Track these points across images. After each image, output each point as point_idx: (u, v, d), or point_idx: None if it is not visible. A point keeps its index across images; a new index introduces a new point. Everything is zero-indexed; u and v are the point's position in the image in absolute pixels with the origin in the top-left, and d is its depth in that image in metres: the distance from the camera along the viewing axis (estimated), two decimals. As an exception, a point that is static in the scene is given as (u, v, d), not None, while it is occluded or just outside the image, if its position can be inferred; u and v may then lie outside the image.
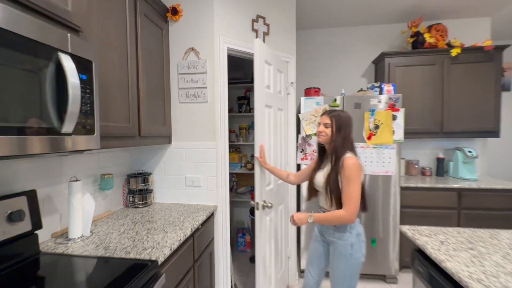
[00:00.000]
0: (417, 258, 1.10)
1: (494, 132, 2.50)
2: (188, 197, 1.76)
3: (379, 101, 2.17)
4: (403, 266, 2.34)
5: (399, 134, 2.14)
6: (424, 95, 2.55)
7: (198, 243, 1.43)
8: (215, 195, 1.73)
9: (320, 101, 2.23)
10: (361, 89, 2.56)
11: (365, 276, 2.29)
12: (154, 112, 1.53)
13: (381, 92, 2.35)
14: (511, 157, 3.91)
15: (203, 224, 1.51)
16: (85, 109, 0.88)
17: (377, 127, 2.16)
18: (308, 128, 2.25)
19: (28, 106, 0.71)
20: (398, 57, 2.57)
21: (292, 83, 2.14)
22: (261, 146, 1.58)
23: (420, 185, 2.29)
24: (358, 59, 2.96)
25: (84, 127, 0.89)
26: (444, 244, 1.05)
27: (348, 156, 1.24)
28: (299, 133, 2.28)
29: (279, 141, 2.03)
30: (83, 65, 0.88)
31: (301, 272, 2.35)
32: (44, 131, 0.75)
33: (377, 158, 2.18)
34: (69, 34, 0.83)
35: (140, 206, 1.68)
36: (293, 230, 2.19)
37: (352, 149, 1.31)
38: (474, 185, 2.24)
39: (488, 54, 2.45)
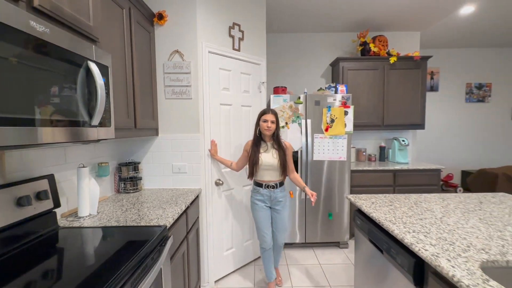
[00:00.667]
0: (357, 215, 1.53)
1: (420, 125, 3.16)
2: (175, 183, 2.00)
3: (334, 99, 2.63)
4: (352, 234, 2.88)
5: (350, 127, 2.62)
6: (370, 94, 3.10)
7: (189, 218, 1.70)
8: (200, 179, 2.00)
9: (286, 98, 2.61)
10: (320, 88, 3.00)
11: (323, 244, 2.78)
12: (145, 107, 1.74)
13: (336, 92, 2.81)
14: (433, 145, 4.84)
15: (192, 203, 1.78)
16: (106, 106, 1.10)
17: (332, 121, 2.61)
18: (277, 122, 2.61)
19: (69, 104, 0.92)
20: (350, 61, 3.07)
21: (263, 82, 2.47)
22: (212, 141, 2.05)
23: (365, 168, 2.83)
24: (318, 62, 3.41)
25: (105, 120, 1.10)
26: (374, 204, 1.49)
27: (286, 141, 1.98)
28: (269, 126, 2.63)
29: (246, 134, 2.35)
30: (102, 70, 1.09)
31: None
32: (80, 123, 0.96)
33: (333, 146, 2.64)
34: (93, 46, 1.03)
35: (132, 191, 1.87)
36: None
37: None
38: (405, 167, 2.85)
39: (417, 63, 3.07)
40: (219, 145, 2.12)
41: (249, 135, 2.39)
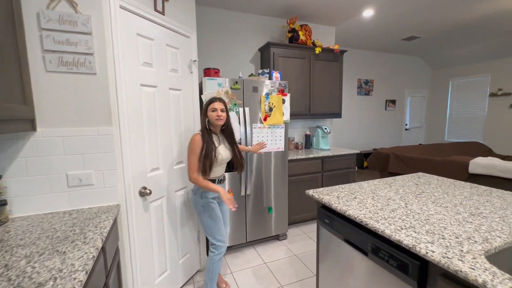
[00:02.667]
0: (324, 213, 1.40)
1: (338, 114, 3.45)
2: (75, 201, 1.33)
3: (272, 86, 2.45)
4: (289, 223, 2.89)
5: (287, 116, 2.53)
6: (298, 83, 3.11)
7: (108, 255, 1.14)
8: (117, 191, 1.40)
9: (222, 82, 2.23)
10: (252, 74, 2.77)
11: (264, 240, 2.65)
12: (3, 83, 1.00)
13: (270, 78, 2.64)
14: (348, 132, 5.62)
15: (110, 230, 1.20)
16: None
17: (271, 109, 2.44)
18: (211, 110, 2.21)
19: None
20: (281, 48, 2.96)
21: (195, 61, 2.00)
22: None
23: (299, 157, 2.85)
24: (247, 46, 3.14)
25: None
26: (339, 198, 1.40)
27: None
28: (203, 115, 2.20)
29: (177, 127, 1.89)
30: None
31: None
32: None
33: (272, 137, 2.49)
34: None
35: (-13, 228, 1.09)
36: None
37: None
38: (329, 154, 3.04)
39: (336, 56, 3.29)
40: (142, 144, 1.56)
41: (181, 129, 1.90)
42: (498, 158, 4.47)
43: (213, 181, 1.67)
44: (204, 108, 1.65)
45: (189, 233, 2.02)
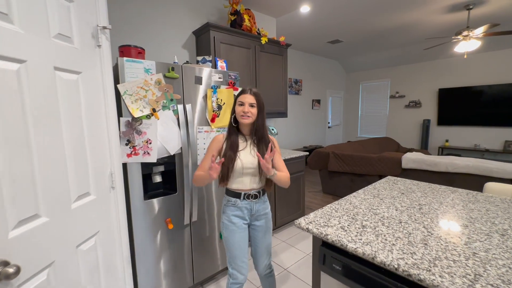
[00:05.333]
0: (329, 255, 0.98)
1: (284, 113, 3.18)
2: None
3: (220, 78, 1.89)
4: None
5: (239, 116, 2.03)
6: (243, 77, 2.65)
7: None
8: None
9: (151, 67, 1.53)
10: (187, 62, 2.14)
11: (218, 274, 2.08)
12: None
13: (214, 67, 2.08)
14: (293, 132, 5.50)
15: None
16: None
17: (220, 107, 1.89)
18: (135, 108, 1.48)
19: None
20: (223, 32, 2.41)
21: (104, 28, 1.24)
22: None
23: (251, 164, 2.39)
24: (179, 26, 2.45)
25: None
26: (346, 229, 1.01)
27: (270, 135, 1.41)
28: (122, 115, 1.45)
29: (79, 133, 1.15)
30: None
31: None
32: None
33: (221, 142, 1.93)
34: None
35: None
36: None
37: None
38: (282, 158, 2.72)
39: (281, 49, 2.99)
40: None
41: (83, 141, 1.14)
42: (404, 150, 5.24)
43: (237, 195, 1.34)
44: (234, 101, 1.36)
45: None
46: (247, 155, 1.32)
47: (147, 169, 1.62)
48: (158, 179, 1.67)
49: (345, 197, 1.40)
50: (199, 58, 2.09)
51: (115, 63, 1.47)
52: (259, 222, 1.41)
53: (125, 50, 1.55)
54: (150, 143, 1.54)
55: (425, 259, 0.81)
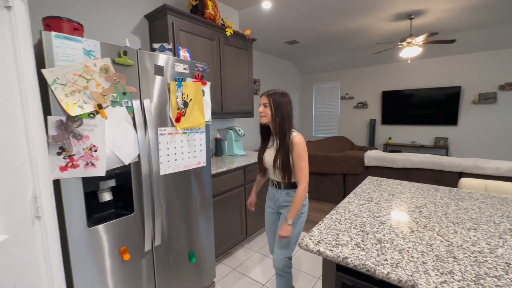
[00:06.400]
0: (352, 285, 0.80)
1: (250, 113, 2.97)
2: None
3: (186, 69, 1.58)
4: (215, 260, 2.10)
5: (208, 114, 1.73)
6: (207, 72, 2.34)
7: None
8: None
9: (94, 49, 1.14)
10: (140, 49, 1.75)
11: (184, 304, 1.74)
12: None
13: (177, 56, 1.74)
14: (255, 133, 5.28)
15: None
16: None
17: (185, 104, 1.57)
18: (71, 103, 1.08)
19: None
20: (183, 18, 2.07)
21: (18, -17, 0.83)
22: None
23: (222, 169, 2.11)
24: (128, 6, 2.02)
25: None
26: (362, 248, 0.85)
27: (296, 135, 1.37)
28: (50, 113, 1.03)
29: None
30: None
31: None
32: None
33: (189, 147, 1.62)
34: None
35: None
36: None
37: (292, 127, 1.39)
38: (251, 161, 2.50)
39: (246, 43, 2.77)
40: None
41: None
42: (357, 148, 5.57)
43: (269, 181, 1.55)
44: None
45: None
46: (269, 154, 1.45)
47: (91, 186, 1.22)
48: (107, 197, 1.28)
49: (340, 204, 1.26)
50: (156, 46, 1.72)
51: (38, 39, 1.04)
52: (282, 211, 1.47)
53: (53, 24, 1.12)
54: (96, 151, 1.15)
55: (468, 279, 0.69)
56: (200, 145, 1.70)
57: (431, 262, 0.76)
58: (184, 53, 1.76)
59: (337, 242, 0.88)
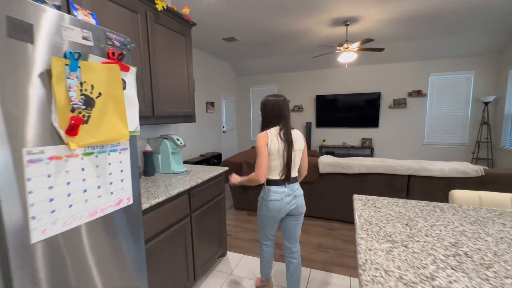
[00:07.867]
0: None
1: (191, 117, 2.33)
2: None
3: (88, 38, 0.87)
4: None
5: (135, 120, 1.06)
6: (130, 56, 1.61)
7: None
8: None
9: None
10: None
11: None
12: None
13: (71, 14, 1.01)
14: (191, 139, 4.40)
15: None
16: None
17: (89, 102, 0.87)
18: None
19: None
20: (84, -33, 1.31)
21: None
22: None
23: (156, 201, 1.43)
24: None
25: None
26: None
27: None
28: None
29: None
30: None
31: None
32: None
33: (98, 177, 0.91)
34: None
35: None
36: None
37: (269, 127, 1.54)
38: (198, 181, 1.88)
39: (183, 26, 2.13)
40: None
41: None
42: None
43: None
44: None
45: None
46: None
47: None
48: None
49: (362, 257, 0.84)
50: (27, -3, 0.95)
51: None
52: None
53: None
54: None
55: None
56: (122, 171, 1.01)
57: None
58: (84, 15, 1.04)
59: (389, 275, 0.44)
